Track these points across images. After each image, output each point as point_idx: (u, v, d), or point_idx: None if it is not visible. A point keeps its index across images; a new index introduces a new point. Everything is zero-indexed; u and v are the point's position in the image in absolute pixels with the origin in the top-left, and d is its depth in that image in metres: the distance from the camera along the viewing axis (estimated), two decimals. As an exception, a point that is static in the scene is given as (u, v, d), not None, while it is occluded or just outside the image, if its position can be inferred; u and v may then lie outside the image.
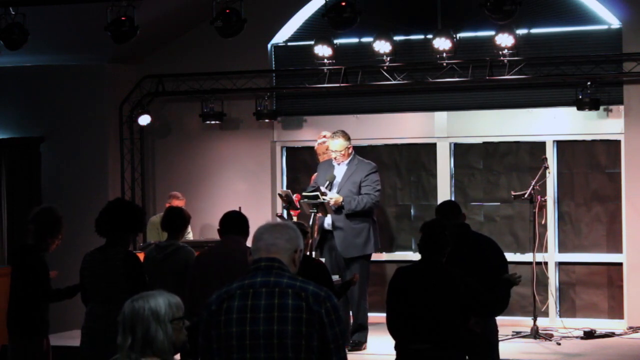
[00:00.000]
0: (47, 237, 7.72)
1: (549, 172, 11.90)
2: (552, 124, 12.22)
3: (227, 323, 4.29)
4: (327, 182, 10.66)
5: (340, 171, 10.78)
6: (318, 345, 4.28)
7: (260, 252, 4.45)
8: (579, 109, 11.78)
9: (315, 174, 11.22)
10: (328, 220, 10.67)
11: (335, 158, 10.77)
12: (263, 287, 4.31)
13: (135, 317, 4.04)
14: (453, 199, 12.37)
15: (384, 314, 6.82)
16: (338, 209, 10.52)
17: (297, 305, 4.27)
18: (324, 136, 11.29)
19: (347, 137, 10.76)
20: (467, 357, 6.95)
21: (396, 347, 6.80)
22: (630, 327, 11.63)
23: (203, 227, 13.07)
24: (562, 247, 12.26)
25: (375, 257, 11.08)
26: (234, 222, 7.77)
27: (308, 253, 8.51)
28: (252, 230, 5.07)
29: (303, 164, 13.18)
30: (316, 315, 4.27)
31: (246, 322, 4.27)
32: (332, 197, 10.46)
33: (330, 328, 4.30)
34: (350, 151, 10.80)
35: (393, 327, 6.76)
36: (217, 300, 4.35)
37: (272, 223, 4.60)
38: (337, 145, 10.72)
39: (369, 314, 10.82)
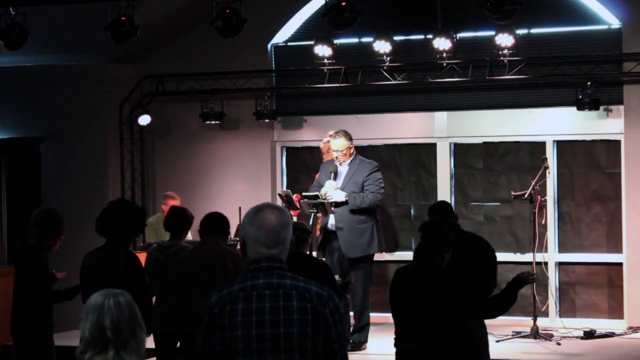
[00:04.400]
0: (48, 239, 7.72)
1: (548, 172, 11.90)
2: (552, 124, 12.22)
3: (232, 326, 4.23)
4: (332, 174, 10.65)
5: (342, 171, 10.76)
6: (322, 345, 4.28)
7: (260, 251, 4.30)
8: (579, 109, 11.78)
9: (319, 173, 11.21)
10: (331, 221, 10.65)
11: (336, 158, 10.75)
12: (267, 289, 4.26)
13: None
14: (453, 199, 12.38)
15: (385, 314, 6.87)
16: (342, 203, 10.48)
17: (302, 306, 4.24)
18: (329, 135, 11.29)
19: (349, 137, 10.74)
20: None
21: (395, 346, 6.82)
22: (630, 327, 11.63)
23: (203, 227, 13.04)
24: (562, 247, 12.26)
25: (376, 257, 11.06)
26: (214, 224, 8.01)
27: (309, 253, 8.50)
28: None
29: (303, 164, 13.18)
30: (321, 316, 4.26)
31: (252, 325, 4.22)
32: (336, 194, 10.43)
33: (334, 328, 4.29)
34: (352, 151, 10.77)
35: (395, 327, 6.79)
36: (218, 302, 4.27)
37: (267, 211, 4.28)
38: (338, 145, 10.70)
39: (370, 314, 10.82)
